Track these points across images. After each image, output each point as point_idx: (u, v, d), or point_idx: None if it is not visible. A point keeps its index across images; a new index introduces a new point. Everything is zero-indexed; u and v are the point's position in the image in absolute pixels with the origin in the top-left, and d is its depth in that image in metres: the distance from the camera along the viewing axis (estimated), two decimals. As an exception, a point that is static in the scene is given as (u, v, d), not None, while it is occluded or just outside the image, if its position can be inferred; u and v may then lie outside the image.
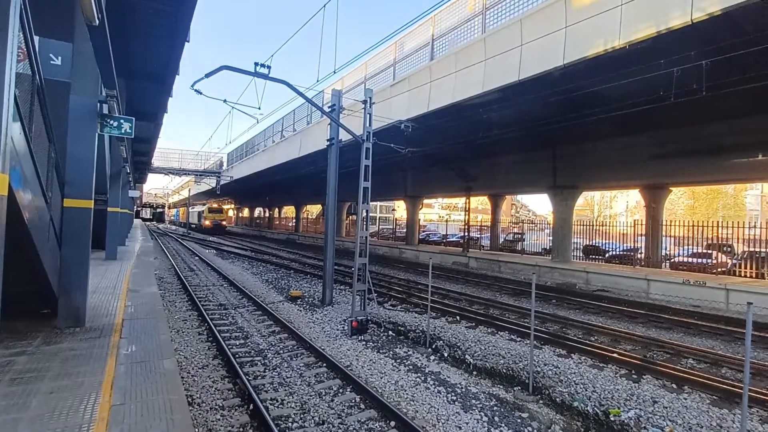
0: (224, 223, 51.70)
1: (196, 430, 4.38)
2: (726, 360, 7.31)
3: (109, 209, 15.04)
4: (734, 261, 15.08)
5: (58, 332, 5.90)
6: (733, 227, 15.10)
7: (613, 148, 15.53)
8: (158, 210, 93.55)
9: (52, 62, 7.13)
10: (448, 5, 12.34)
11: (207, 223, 47.77)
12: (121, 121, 7.11)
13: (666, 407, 5.20)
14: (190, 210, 61.28)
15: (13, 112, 2.93)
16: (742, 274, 13.94)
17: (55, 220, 6.13)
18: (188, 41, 9.22)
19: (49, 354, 5.02)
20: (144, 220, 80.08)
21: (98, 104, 6.63)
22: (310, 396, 5.53)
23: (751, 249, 14.45)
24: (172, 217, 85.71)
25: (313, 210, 55.44)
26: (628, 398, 5.45)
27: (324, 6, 10.29)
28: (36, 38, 5.29)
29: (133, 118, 7.34)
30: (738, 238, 15.29)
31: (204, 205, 54.78)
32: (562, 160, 17.41)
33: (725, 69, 8.31)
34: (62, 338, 5.67)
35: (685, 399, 5.62)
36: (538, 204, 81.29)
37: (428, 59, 13.30)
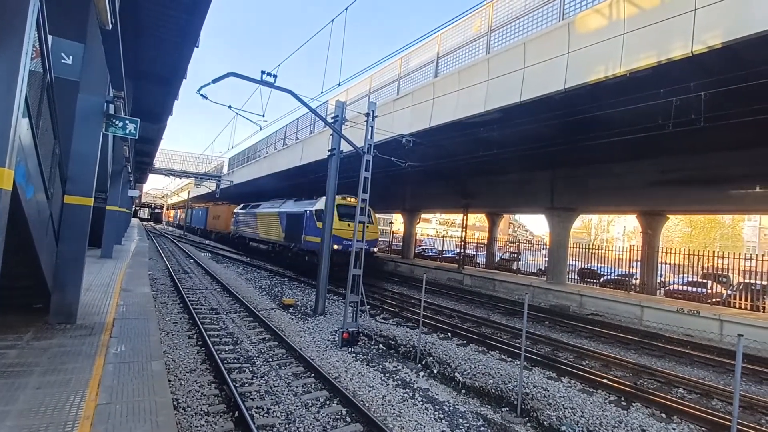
0: (375, 249, 19.28)
1: (180, 434, 4.35)
2: (717, 391, 7.28)
3: (107, 207, 15.04)
4: (729, 292, 15.09)
5: (50, 328, 5.88)
6: (729, 258, 15.14)
7: (612, 172, 15.67)
8: (156, 210, 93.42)
9: (63, 61, 7.25)
10: (454, 25, 12.60)
11: (335, 246, 15.22)
12: (127, 121, 7.19)
13: (653, 435, 5.18)
14: (240, 211, 30.54)
15: (23, 109, 2.99)
16: (737, 306, 13.94)
17: (55, 215, 6.15)
18: (197, 46, 9.40)
19: (39, 349, 4.99)
20: (141, 219, 79.87)
21: (105, 104, 6.72)
22: (297, 406, 5.49)
23: (747, 281, 14.49)
24: (188, 221, 55.79)
25: (312, 218, 54.69)
26: (616, 425, 5.43)
27: (332, 20, 10.53)
28: (49, 37, 5.40)
29: (138, 120, 7.42)
30: (734, 269, 15.36)
31: (304, 200, 21.05)
32: (560, 182, 17.54)
33: (724, 101, 8.45)
34: (53, 334, 5.64)
35: (674, 429, 5.59)
36: (536, 224, 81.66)
37: (432, 76, 13.51)
